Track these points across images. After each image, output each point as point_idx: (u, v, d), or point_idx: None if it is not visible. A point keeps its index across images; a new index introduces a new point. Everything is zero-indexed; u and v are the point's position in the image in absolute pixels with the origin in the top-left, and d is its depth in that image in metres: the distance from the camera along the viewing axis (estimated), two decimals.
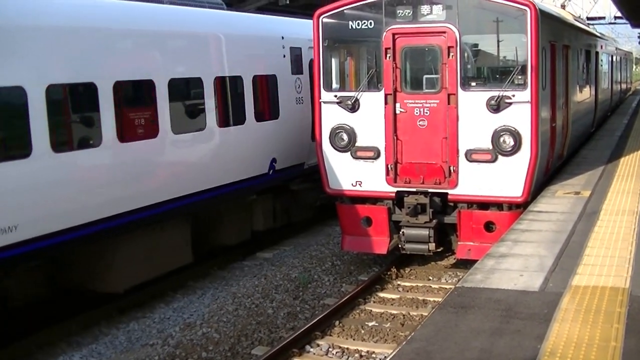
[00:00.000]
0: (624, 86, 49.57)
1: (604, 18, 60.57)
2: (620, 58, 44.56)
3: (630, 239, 11.31)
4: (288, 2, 31.68)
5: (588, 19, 54.55)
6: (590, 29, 31.01)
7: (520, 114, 14.32)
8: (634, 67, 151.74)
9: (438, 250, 15.64)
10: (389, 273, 16.03)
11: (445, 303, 8.81)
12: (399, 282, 15.66)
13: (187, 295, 15.26)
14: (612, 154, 20.51)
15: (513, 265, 10.13)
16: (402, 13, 15.05)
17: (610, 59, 35.03)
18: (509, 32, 14.72)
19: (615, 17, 57.40)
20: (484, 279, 9.58)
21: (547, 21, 15.78)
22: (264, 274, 16.29)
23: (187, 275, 16.06)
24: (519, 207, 14.52)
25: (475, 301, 8.73)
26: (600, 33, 36.86)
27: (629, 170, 17.59)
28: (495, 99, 14.34)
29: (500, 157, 14.45)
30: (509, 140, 14.34)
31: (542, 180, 15.67)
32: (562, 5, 32.74)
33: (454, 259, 16.08)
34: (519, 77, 14.44)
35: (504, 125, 14.37)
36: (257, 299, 14.66)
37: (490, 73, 15.31)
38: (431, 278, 15.97)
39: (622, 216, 12.84)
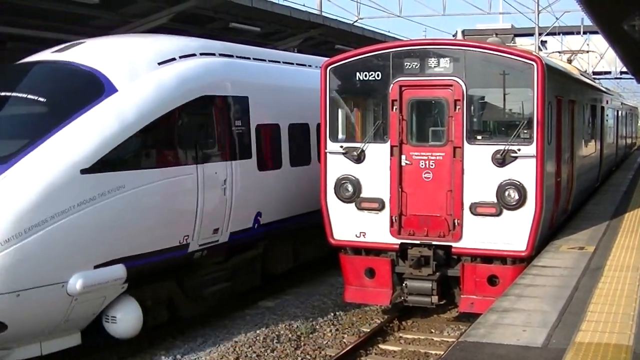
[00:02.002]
0: (629, 141, 49.73)
1: (609, 73, 61.06)
2: (626, 113, 44.76)
3: (634, 295, 11.27)
4: (295, 51, 31.98)
5: (594, 73, 55.01)
6: (596, 83, 31.18)
7: (525, 168, 14.35)
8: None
9: (441, 303, 15.55)
10: (391, 325, 15.93)
11: (447, 357, 8.77)
12: (401, 334, 15.57)
13: (187, 343, 15.16)
14: (616, 209, 20.51)
15: (516, 320, 10.10)
16: (409, 65, 15.15)
17: (615, 113, 35.18)
18: (516, 86, 14.79)
19: (621, 72, 57.81)
20: (487, 333, 9.54)
21: (553, 76, 15.87)
22: (266, 322, 16.19)
23: (187, 323, 15.98)
24: (522, 262, 14.48)
25: (477, 356, 8.69)
26: (605, 88, 37.07)
27: (634, 226, 17.58)
28: (500, 152, 14.38)
29: (505, 210, 14.45)
30: (513, 194, 14.36)
31: (546, 234, 15.65)
32: (568, 60, 32.91)
33: (457, 312, 16.00)
34: (525, 131, 14.49)
35: (509, 179, 14.39)
36: (258, 348, 14.57)
37: (496, 127, 15.37)
38: (433, 331, 15.87)
39: (626, 272, 12.81)
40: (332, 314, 16.84)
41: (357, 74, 15.51)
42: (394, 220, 15.14)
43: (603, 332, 9.50)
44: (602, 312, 10.39)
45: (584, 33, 54.69)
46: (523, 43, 53.18)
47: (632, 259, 13.86)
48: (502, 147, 14.40)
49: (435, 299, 15.07)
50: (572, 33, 55.16)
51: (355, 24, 39.24)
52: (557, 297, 11.24)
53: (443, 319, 16.48)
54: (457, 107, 14.69)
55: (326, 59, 16.26)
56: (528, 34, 54.41)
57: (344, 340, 15.31)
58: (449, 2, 51.06)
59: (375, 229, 15.32)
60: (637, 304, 10.84)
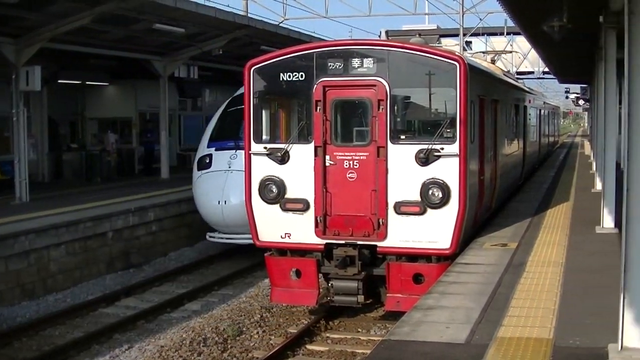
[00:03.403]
0: (551, 139, 50.51)
1: (533, 73, 61.92)
2: (548, 112, 45.46)
3: (555, 290, 11.44)
4: (220, 52, 31.87)
5: (518, 73, 55.71)
6: (519, 83, 31.60)
7: (448, 167, 14.47)
8: (562, 120, 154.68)
9: (367, 302, 15.63)
10: (318, 325, 15.92)
11: (372, 356, 8.78)
12: (328, 334, 15.56)
13: (112, 349, 14.99)
14: (539, 206, 20.82)
15: (440, 317, 10.16)
16: (333, 66, 15.14)
17: (538, 112, 35.70)
18: (439, 86, 14.88)
19: (544, 72, 58.62)
20: (411, 331, 9.58)
21: (476, 76, 16.03)
22: (192, 326, 16.09)
23: (112, 328, 15.81)
24: (447, 259, 14.58)
25: (402, 354, 8.72)
26: (529, 87, 37.58)
27: (556, 222, 17.87)
28: (424, 152, 14.48)
29: (428, 209, 14.55)
30: (437, 193, 14.47)
31: (470, 232, 15.80)
32: (492, 60, 33.29)
33: (383, 311, 16.05)
34: (448, 130, 14.61)
35: (432, 178, 14.50)
36: (184, 352, 14.45)
37: (420, 126, 15.49)
38: (360, 330, 15.90)
39: (547, 267, 13.00)
40: (259, 316, 16.77)
41: (281, 74, 15.45)
42: (318, 221, 15.14)
43: (524, 326, 9.61)
44: (523, 307, 10.51)
45: (508, 34, 55.34)
46: (448, 44, 53.65)
47: (554, 255, 14.07)
48: (425, 147, 14.50)
49: (361, 298, 15.10)
50: (496, 34, 55.79)
51: (281, 24, 39.25)
52: (481, 293, 11.34)
53: (370, 318, 16.51)
54: (381, 107, 14.74)
55: None
56: (453, 34, 54.81)
57: (271, 341, 15.25)
58: (374, 3, 51.21)
59: (300, 229, 15.30)
60: (558, 298, 11.00)
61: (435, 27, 60.88)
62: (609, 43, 16.71)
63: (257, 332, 15.78)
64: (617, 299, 8.20)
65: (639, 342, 8.41)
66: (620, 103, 16.95)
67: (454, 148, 14.46)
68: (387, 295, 15.22)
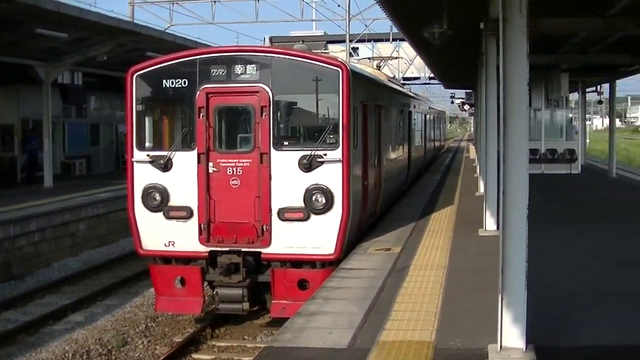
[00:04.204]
0: (437, 144, 51.30)
1: (419, 78, 62.68)
2: (434, 117, 46.16)
3: (437, 292, 11.58)
4: (105, 58, 31.39)
5: (404, 79, 56.41)
6: (404, 89, 32.01)
7: (331, 173, 14.53)
8: (448, 125, 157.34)
9: (253, 309, 15.57)
10: (203, 334, 15.77)
11: None
12: (214, 343, 15.41)
13: None
14: (423, 211, 21.10)
15: (323, 323, 10.17)
16: (216, 72, 15.07)
17: (423, 118, 36.20)
18: (321, 92, 14.92)
19: (430, 78, 59.40)
20: (294, 337, 9.56)
21: (359, 82, 16.15)
22: (75, 338, 15.72)
23: None
24: (331, 265, 14.63)
25: None
26: (414, 93, 38.11)
27: (439, 226, 18.12)
28: (307, 158, 14.51)
29: (312, 215, 14.59)
30: (320, 199, 14.52)
31: (354, 237, 15.88)
32: (377, 66, 33.64)
33: (269, 317, 16.00)
34: (331, 136, 14.68)
35: (315, 184, 14.54)
36: None
37: (303, 132, 15.51)
38: (246, 337, 15.80)
39: (430, 270, 13.17)
40: (144, 326, 16.52)
41: (164, 81, 15.29)
42: (202, 228, 15.02)
43: (407, 329, 9.70)
44: (406, 311, 10.60)
45: (394, 40, 55.91)
46: (335, 50, 54.03)
47: (437, 258, 14.26)
48: (308, 152, 14.53)
49: (246, 305, 15.04)
50: (382, 40, 56.34)
51: (167, 30, 38.88)
52: (364, 298, 11.40)
53: (256, 325, 16.43)
54: (264, 113, 14.71)
55: None
56: (340, 40, 55.20)
57: (157, 351, 15.04)
58: (261, 9, 51.32)
59: (184, 237, 15.15)
60: (440, 300, 11.14)
61: (323, 34, 61.36)
62: (489, 50, 17.02)
63: (142, 342, 15.54)
64: (497, 300, 8.33)
65: (518, 342, 8.59)
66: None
67: (337, 154, 14.53)
68: (273, 301, 15.17)
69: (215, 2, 46.59)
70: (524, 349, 8.50)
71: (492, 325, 8.65)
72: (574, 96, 46.22)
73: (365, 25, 50.94)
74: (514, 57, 8.53)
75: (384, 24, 47.67)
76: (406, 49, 55.29)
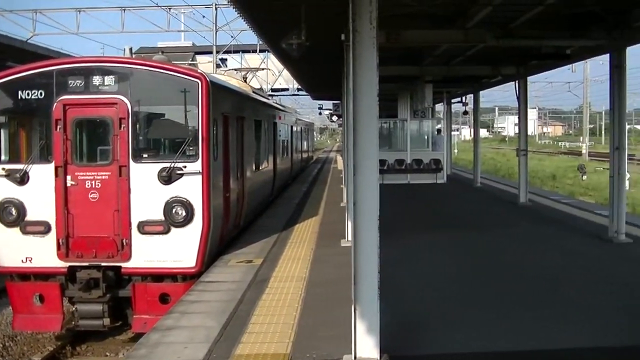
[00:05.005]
0: (305, 155, 51.54)
1: (287, 89, 62.91)
2: (301, 128, 46.35)
3: (296, 304, 11.64)
4: None
5: (273, 90, 56.51)
6: (270, 100, 32.04)
7: (191, 185, 14.44)
8: (319, 136, 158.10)
9: (115, 325, 15.30)
10: (64, 351, 15.42)
11: None
12: None
13: None
14: (287, 222, 21.17)
15: (178, 337, 10.08)
16: (73, 83, 14.78)
17: (290, 129, 36.31)
18: (181, 103, 14.82)
19: (298, 89, 59.72)
20: (148, 353, 9.45)
21: (220, 93, 16.11)
22: None
23: None
24: (193, 278, 14.52)
25: None
26: (282, 105, 38.20)
27: (302, 237, 18.21)
28: (166, 170, 14.37)
29: (173, 228, 14.46)
30: (180, 212, 14.41)
31: (216, 250, 15.82)
32: (244, 78, 33.58)
33: (132, 333, 15.76)
34: (191, 148, 14.59)
35: (175, 197, 14.42)
36: None
37: (163, 144, 15.35)
38: (109, 354, 15.52)
39: (290, 282, 13.22)
40: (1, 345, 16.04)
41: (20, 92, 14.91)
42: (61, 243, 14.68)
43: (263, 342, 9.71)
44: (263, 323, 10.63)
45: (262, 51, 56.03)
46: (202, 61, 53.78)
47: (298, 269, 14.33)
48: (168, 165, 14.40)
49: (107, 321, 14.77)
50: (249, 51, 56.37)
51: (29, 40, 37.98)
52: (222, 311, 11.35)
53: (119, 341, 16.14)
54: (122, 125, 14.51)
55: None
56: (208, 52, 54.95)
57: None
58: (128, 20, 50.68)
59: (42, 253, 14.77)
60: (298, 312, 11.19)
61: (191, 44, 61.00)
62: (350, 61, 17.20)
63: None
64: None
65: (372, 352, 8.71)
66: None
67: (197, 166, 14.45)
68: (134, 316, 14.94)
69: (79, 11, 45.82)
70: (378, 359, 8.62)
71: (348, 336, 8.73)
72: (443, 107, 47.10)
73: (232, 37, 50.91)
74: (364, 68, 8.68)
75: (251, 35, 47.76)
76: (275, 61, 55.46)
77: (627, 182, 18.83)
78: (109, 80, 14.76)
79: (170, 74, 14.81)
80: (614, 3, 16.05)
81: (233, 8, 15.97)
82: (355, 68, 8.70)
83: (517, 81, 26.25)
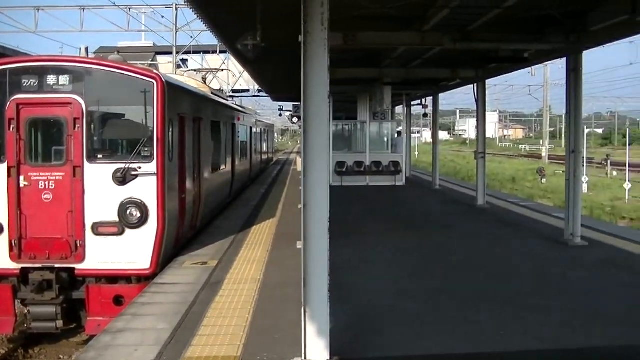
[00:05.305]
0: (265, 156, 51.42)
1: (248, 91, 62.83)
2: (261, 130, 46.25)
3: (248, 307, 11.61)
4: None
5: (233, 91, 56.39)
6: (228, 101, 31.94)
7: (146, 186, 14.37)
8: (280, 138, 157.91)
9: (69, 327, 15.15)
10: (15, 354, 15.23)
11: None
12: None
13: None
14: (245, 223, 21.12)
15: (129, 340, 10.01)
16: (27, 83, 14.62)
17: (249, 130, 36.22)
18: (136, 104, 14.72)
19: (259, 90, 59.64)
20: (98, 356, 9.38)
21: (176, 94, 16.03)
22: None
23: None
24: (147, 280, 14.43)
25: None
26: (241, 106, 38.07)
27: (259, 239, 18.17)
28: (121, 171, 14.28)
29: (127, 229, 14.37)
30: (135, 213, 14.32)
31: (171, 251, 15.74)
32: (203, 78, 33.45)
33: (86, 335, 15.62)
34: (146, 149, 14.50)
35: (130, 198, 14.34)
36: None
37: (118, 145, 15.24)
38: (62, 357, 15.33)
39: (244, 284, 13.19)
40: None
41: None
42: (13, 245, 14.51)
43: (214, 345, 9.68)
44: (215, 326, 10.58)
45: (222, 52, 55.91)
46: (162, 61, 53.56)
47: (252, 271, 14.30)
48: (122, 166, 14.31)
49: (60, 323, 14.61)
50: (210, 52, 56.23)
51: None
52: (175, 313, 11.29)
53: (73, 344, 15.97)
54: (77, 125, 14.40)
55: None
56: (169, 52, 54.74)
57: None
58: (87, 19, 50.33)
59: None
60: (251, 314, 11.17)
61: (152, 44, 60.72)
62: None
63: None
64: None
65: (322, 354, 8.71)
66: None
67: (152, 167, 14.38)
68: (88, 318, 14.81)
69: (38, 10, 45.46)
70: None
71: (299, 338, 8.73)
72: (403, 109, 47.21)
73: (191, 37, 50.75)
74: (315, 70, 8.70)
75: (212, 36, 47.63)
76: (235, 62, 55.32)
77: (585, 185, 19.02)
78: (63, 79, 14.63)
79: (126, 74, 14.71)
80: (571, 6, 16.18)
81: (189, 7, 15.93)
82: (307, 69, 8.71)
83: (475, 84, 26.42)
